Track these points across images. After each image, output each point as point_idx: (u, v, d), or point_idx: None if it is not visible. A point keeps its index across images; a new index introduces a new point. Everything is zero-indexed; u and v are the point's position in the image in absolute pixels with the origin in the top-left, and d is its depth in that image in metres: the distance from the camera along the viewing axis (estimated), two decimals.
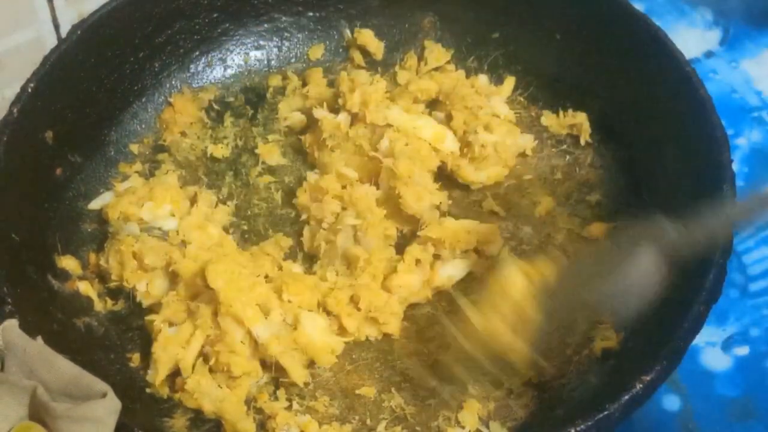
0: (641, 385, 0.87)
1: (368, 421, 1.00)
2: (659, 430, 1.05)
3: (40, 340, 0.80)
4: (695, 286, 0.92)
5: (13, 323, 0.80)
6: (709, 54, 1.37)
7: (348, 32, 1.29)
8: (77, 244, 1.11)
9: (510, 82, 1.24)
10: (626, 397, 0.86)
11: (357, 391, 1.02)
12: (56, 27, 1.28)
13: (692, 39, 1.37)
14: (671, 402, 1.06)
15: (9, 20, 1.24)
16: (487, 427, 0.99)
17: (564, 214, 1.14)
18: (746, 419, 1.04)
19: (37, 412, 0.76)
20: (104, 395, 0.77)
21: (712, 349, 1.10)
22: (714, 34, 1.38)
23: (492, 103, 1.18)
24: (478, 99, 1.17)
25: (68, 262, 1.08)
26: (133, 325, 1.07)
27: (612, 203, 1.14)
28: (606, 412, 0.85)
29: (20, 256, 1.01)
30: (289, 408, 1.01)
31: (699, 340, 1.06)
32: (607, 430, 0.88)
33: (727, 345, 1.10)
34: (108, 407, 0.76)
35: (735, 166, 1.17)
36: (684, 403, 1.06)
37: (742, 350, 1.10)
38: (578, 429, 0.85)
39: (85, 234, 1.13)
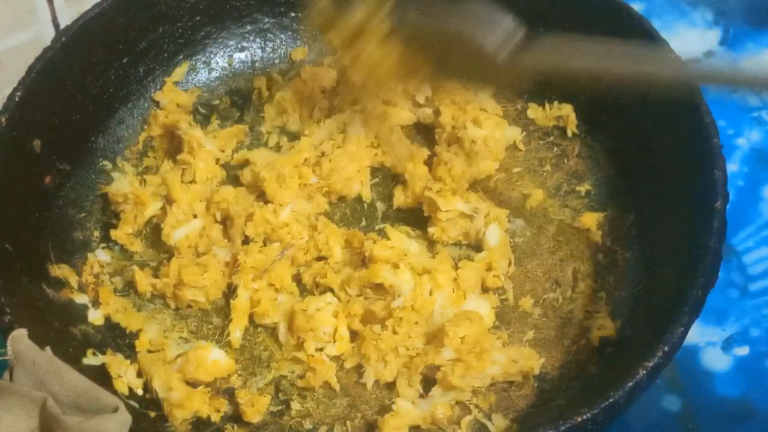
0: (644, 372, 0.87)
1: (370, 418, 1.01)
2: (659, 430, 1.05)
3: (48, 351, 0.80)
4: (692, 272, 0.93)
5: (22, 333, 0.79)
6: (709, 54, 1.37)
7: None
8: (70, 252, 1.11)
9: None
10: (630, 383, 0.87)
11: (357, 388, 1.03)
12: (56, 27, 1.28)
13: (692, 39, 1.38)
14: (671, 402, 1.06)
15: (9, 20, 1.25)
16: (489, 419, 0.99)
17: (555, 205, 1.15)
18: (746, 419, 1.05)
19: (47, 425, 0.75)
20: (115, 409, 0.76)
21: (712, 349, 1.10)
22: (714, 34, 1.39)
23: (479, 97, 1.19)
24: (465, 94, 1.17)
25: (62, 271, 1.07)
26: (128, 331, 1.07)
27: (602, 192, 1.15)
28: (611, 400, 0.86)
29: (15, 267, 1.00)
30: (288, 409, 1.01)
31: (699, 340, 1.08)
32: (611, 418, 0.89)
33: (727, 345, 1.10)
34: (120, 422, 0.75)
35: (735, 167, 1.19)
36: (684, 403, 1.06)
37: (742, 350, 1.10)
38: (584, 417, 0.85)
39: (76, 242, 1.12)
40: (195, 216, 1.13)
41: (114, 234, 1.13)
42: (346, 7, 1.04)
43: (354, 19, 1.03)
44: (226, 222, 1.12)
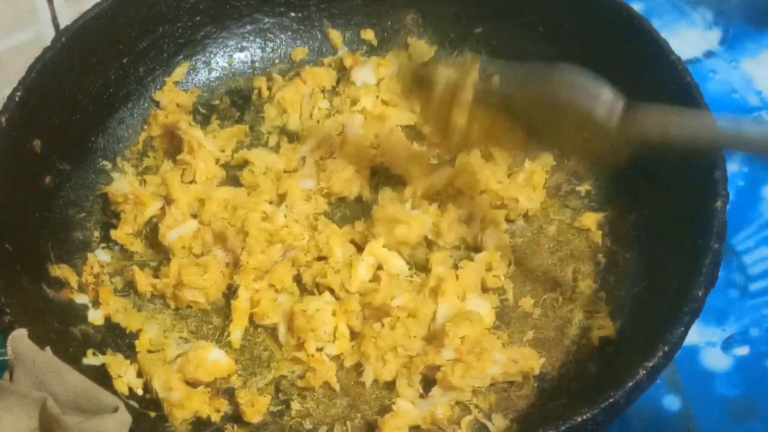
0: (644, 372, 0.87)
1: (370, 418, 1.01)
2: (659, 430, 1.05)
3: (48, 351, 0.80)
4: (692, 272, 0.93)
5: (22, 333, 0.79)
6: (709, 54, 1.37)
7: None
8: (69, 252, 1.11)
9: (496, 80, 1.24)
10: (630, 383, 0.87)
11: (357, 388, 1.03)
12: (56, 27, 1.29)
13: (692, 39, 1.38)
14: (671, 402, 1.07)
15: (9, 20, 1.25)
16: (489, 419, 0.99)
17: (555, 205, 1.15)
18: (746, 419, 1.05)
19: (47, 425, 0.75)
20: (115, 409, 0.76)
21: (712, 349, 1.10)
22: (714, 34, 1.39)
23: None
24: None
25: (62, 271, 1.07)
26: (128, 331, 1.07)
27: (602, 192, 1.15)
28: (611, 400, 0.86)
29: (14, 267, 1.00)
30: (288, 409, 1.01)
31: (699, 340, 1.08)
32: (611, 419, 0.89)
33: (727, 345, 1.10)
34: (120, 422, 0.75)
35: (735, 167, 1.19)
36: (684, 403, 1.06)
37: (742, 350, 1.10)
38: (584, 417, 0.85)
39: (76, 242, 1.12)
40: (194, 216, 1.13)
41: (114, 234, 1.13)
42: (430, 75, 1.02)
43: (438, 89, 1.01)
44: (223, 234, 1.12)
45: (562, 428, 0.85)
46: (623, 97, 0.91)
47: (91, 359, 1.02)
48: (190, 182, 1.16)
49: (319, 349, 1.04)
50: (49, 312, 1.02)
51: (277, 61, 1.30)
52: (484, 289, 1.08)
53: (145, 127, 1.22)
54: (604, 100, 0.91)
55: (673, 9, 1.41)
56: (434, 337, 1.02)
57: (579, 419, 0.85)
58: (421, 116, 1.14)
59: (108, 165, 1.18)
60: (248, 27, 1.28)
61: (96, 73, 1.16)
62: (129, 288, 1.10)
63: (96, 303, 1.08)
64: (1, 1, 1.22)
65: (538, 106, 0.95)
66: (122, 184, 1.16)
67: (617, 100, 0.91)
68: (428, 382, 1.01)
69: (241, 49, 1.29)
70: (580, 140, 0.94)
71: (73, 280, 1.08)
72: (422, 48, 1.27)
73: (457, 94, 1.00)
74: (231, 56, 1.29)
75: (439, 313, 1.04)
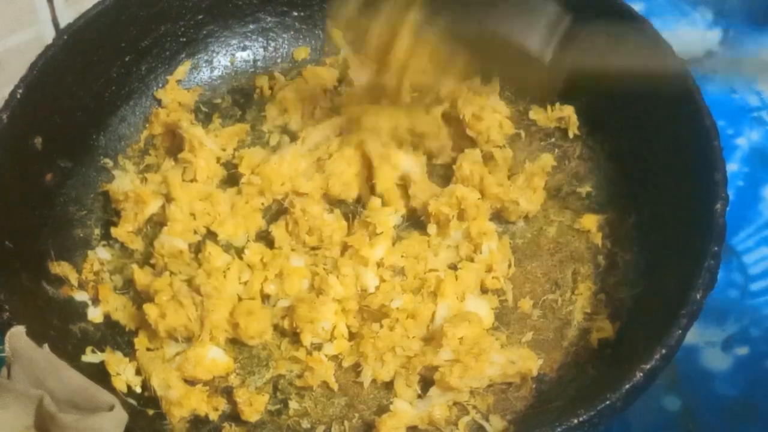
0: (641, 374, 0.87)
1: (367, 418, 1.01)
2: (659, 430, 1.05)
3: (46, 348, 0.80)
4: (691, 274, 0.93)
5: (20, 330, 0.79)
6: (709, 54, 1.37)
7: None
8: (70, 250, 1.11)
9: (496, 81, 1.24)
10: (627, 386, 0.87)
11: (355, 388, 1.03)
12: (56, 27, 1.29)
13: (692, 39, 1.38)
14: (671, 402, 1.06)
15: (9, 20, 1.25)
16: (487, 420, 0.99)
17: (555, 207, 1.15)
18: (746, 419, 1.05)
19: (43, 422, 0.75)
20: (111, 407, 0.76)
21: (712, 349, 1.10)
22: (714, 34, 1.39)
23: (490, 101, 1.19)
24: (480, 100, 1.18)
25: (62, 268, 1.08)
26: (127, 329, 1.07)
27: (603, 194, 1.15)
28: (608, 402, 0.86)
29: (14, 264, 1.01)
30: (286, 408, 1.02)
31: (699, 340, 1.08)
32: (608, 420, 0.88)
33: (727, 345, 1.10)
34: (116, 420, 0.76)
35: (735, 167, 1.19)
36: (684, 403, 1.06)
37: (742, 350, 1.10)
38: (581, 419, 0.85)
39: (77, 239, 1.13)
40: (194, 216, 1.13)
41: (114, 232, 1.13)
42: (373, 13, 1.02)
43: (382, 23, 1.02)
44: None
45: (559, 430, 0.85)
46: (565, 20, 0.94)
47: (90, 357, 1.02)
48: (191, 181, 1.16)
49: (318, 349, 1.04)
50: (48, 309, 1.03)
51: (279, 60, 1.30)
52: (484, 290, 1.08)
53: (147, 125, 1.22)
54: (540, 32, 0.93)
55: (673, 9, 1.41)
56: (433, 338, 1.02)
57: (576, 421, 0.85)
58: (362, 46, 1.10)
59: (109, 163, 1.19)
60: (251, 26, 1.28)
61: (98, 71, 1.16)
62: (129, 286, 1.10)
63: (95, 301, 1.08)
64: (1, 1, 1.22)
65: (478, 36, 0.96)
66: (123, 182, 1.16)
67: (554, 30, 0.93)
68: (426, 383, 1.01)
69: (244, 48, 1.29)
70: (520, 69, 0.97)
71: (73, 277, 1.08)
72: None
73: (401, 28, 1.01)
74: (233, 55, 1.29)
75: (438, 313, 1.04)
